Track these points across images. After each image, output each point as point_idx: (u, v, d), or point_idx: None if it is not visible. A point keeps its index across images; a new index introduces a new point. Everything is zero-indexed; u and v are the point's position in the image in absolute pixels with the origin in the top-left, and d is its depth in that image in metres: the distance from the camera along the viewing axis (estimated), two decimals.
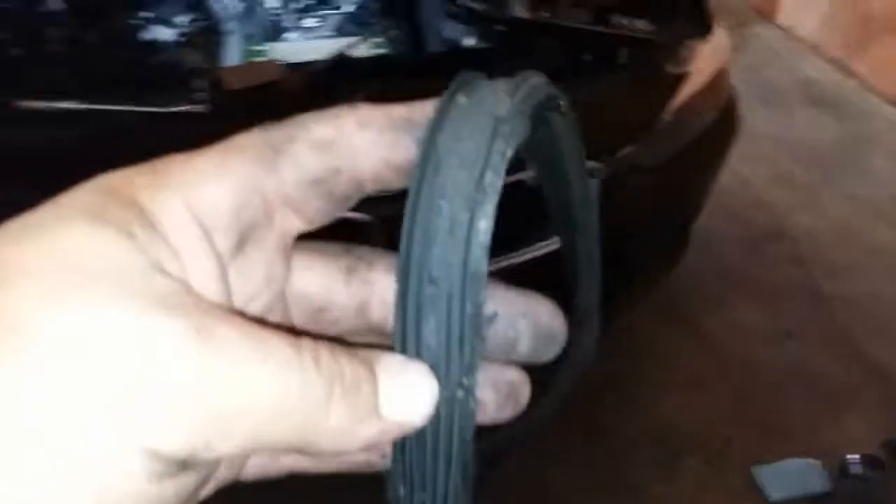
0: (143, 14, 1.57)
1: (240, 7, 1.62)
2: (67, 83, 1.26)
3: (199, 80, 1.25)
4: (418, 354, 0.22)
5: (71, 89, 1.23)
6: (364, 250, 0.26)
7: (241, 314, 0.22)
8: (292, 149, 0.22)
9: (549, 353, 0.26)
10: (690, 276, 2.17)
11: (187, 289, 0.20)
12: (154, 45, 1.41)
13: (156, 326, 0.18)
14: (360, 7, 1.71)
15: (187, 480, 0.19)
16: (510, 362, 0.26)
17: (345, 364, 0.20)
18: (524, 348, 0.26)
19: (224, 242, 0.22)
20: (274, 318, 0.24)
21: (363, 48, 1.39)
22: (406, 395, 0.21)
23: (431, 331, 0.21)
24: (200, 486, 0.21)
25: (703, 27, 1.60)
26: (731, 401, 2.02)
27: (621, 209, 1.38)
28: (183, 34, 1.55)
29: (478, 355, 0.22)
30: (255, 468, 0.25)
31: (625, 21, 1.55)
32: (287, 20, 1.68)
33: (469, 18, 1.62)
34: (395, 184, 0.24)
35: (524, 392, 0.26)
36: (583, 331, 0.28)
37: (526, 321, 0.25)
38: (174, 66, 1.37)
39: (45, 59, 1.30)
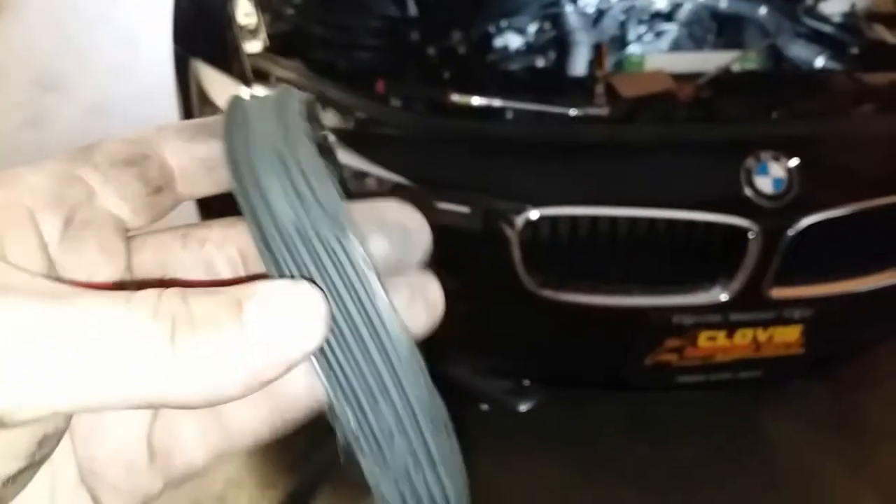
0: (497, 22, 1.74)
1: (588, 18, 1.75)
2: (490, 83, 1.44)
3: (597, 87, 1.39)
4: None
5: (493, 88, 1.40)
6: (202, 222, 0.26)
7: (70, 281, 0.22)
8: (102, 143, 0.24)
9: (415, 252, 0.25)
10: None
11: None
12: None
13: None
14: (696, 23, 1.78)
15: (12, 437, 0.18)
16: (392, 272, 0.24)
17: (196, 304, 0.18)
18: (381, 250, 0.23)
19: (50, 222, 0.22)
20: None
21: (737, 63, 1.47)
22: (285, 319, 0.19)
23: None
24: (43, 445, 0.20)
25: None
26: None
27: None
28: (531, 42, 1.70)
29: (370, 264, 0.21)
30: (192, 447, 0.24)
31: None
32: (630, 33, 1.79)
33: (820, 39, 1.64)
34: (204, 182, 0.25)
35: (432, 290, 0.25)
36: None
37: (374, 223, 0.24)
38: (570, 72, 1.51)
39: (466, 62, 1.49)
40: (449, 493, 0.22)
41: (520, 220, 1.30)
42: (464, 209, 1.34)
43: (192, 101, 1.52)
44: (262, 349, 0.18)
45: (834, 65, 1.63)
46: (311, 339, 0.19)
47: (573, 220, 1.31)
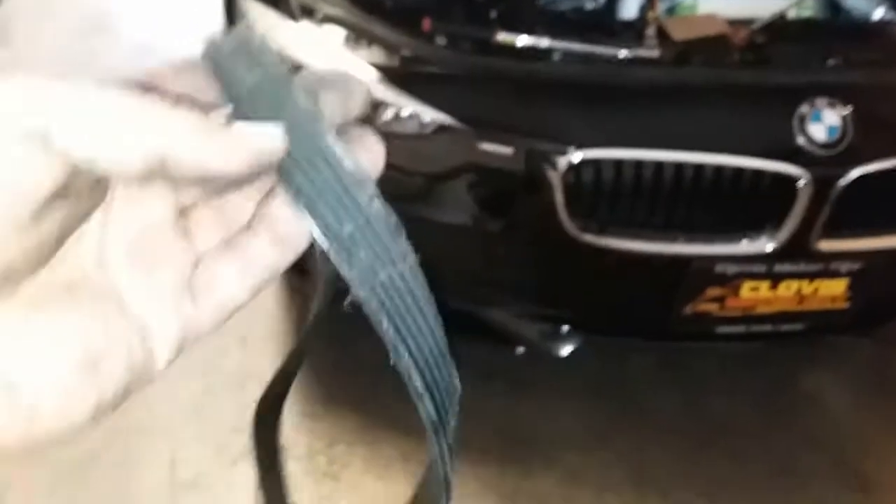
0: None
1: None
2: (537, 23, 1.41)
3: (648, 29, 1.35)
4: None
5: (541, 29, 1.38)
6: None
7: None
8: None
9: (355, 107, 0.30)
10: None
11: None
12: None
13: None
14: None
15: (68, 210, 0.24)
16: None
17: (213, 119, 0.26)
18: (328, 104, 0.29)
19: None
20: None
21: (793, 10, 1.41)
22: (259, 134, 0.26)
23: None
24: (82, 219, 0.26)
25: None
26: None
27: None
28: None
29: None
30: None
31: None
32: None
33: None
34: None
35: (371, 139, 0.30)
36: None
37: (321, 84, 0.29)
38: (620, 15, 1.48)
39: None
40: (412, 285, 0.28)
41: (563, 162, 1.29)
42: (507, 150, 1.33)
43: None
44: (253, 141, 0.26)
45: (892, 16, 1.56)
46: (277, 142, 0.26)
47: (618, 163, 1.30)
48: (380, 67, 1.37)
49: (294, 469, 1.71)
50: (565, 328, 1.64)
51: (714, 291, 1.44)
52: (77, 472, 1.71)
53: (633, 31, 1.43)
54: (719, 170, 1.29)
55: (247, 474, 1.71)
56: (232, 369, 1.90)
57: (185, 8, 3.08)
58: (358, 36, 1.39)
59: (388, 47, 1.36)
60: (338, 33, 1.41)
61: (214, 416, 1.81)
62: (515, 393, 1.87)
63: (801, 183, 1.26)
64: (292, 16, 1.43)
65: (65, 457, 1.73)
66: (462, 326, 1.69)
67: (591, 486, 1.71)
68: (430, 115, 1.36)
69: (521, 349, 1.68)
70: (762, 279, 1.42)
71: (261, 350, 1.94)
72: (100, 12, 3.17)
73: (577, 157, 1.28)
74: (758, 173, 1.28)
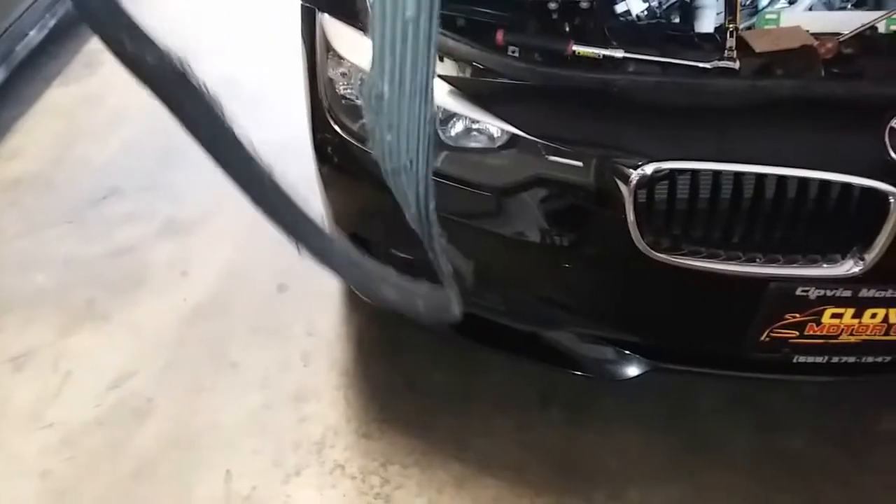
0: None
1: None
2: (612, 35, 1.39)
3: (728, 41, 1.32)
4: None
5: (615, 41, 1.36)
6: None
7: None
8: None
9: None
10: None
11: None
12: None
13: None
14: None
15: None
16: None
17: None
18: None
19: None
20: None
21: (882, 23, 1.36)
22: None
23: None
24: None
25: None
26: None
27: None
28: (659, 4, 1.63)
29: None
30: None
31: None
32: None
33: None
34: None
35: None
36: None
37: None
38: (698, 28, 1.45)
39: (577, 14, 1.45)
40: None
41: (635, 176, 1.25)
42: (577, 163, 1.30)
43: (316, 54, 1.55)
44: None
45: None
46: None
47: (693, 177, 1.25)
48: (451, 80, 1.36)
49: (347, 488, 1.68)
50: (630, 353, 1.58)
51: (793, 317, 1.36)
52: (132, 483, 1.71)
53: (711, 43, 1.39)
54: (803, 185, 1.23)
55: (303, 490, 1.69)
56: (292, 386, 1.89)
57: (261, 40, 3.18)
58: None
59: (460, 60, 1.36)
60: None
61: (273, 431, 1.80)
62: (574, 422, 1.80)
63: (892, 200, 1.19)
64: (364, 30, 1.45)
65: (121, 467, 1.74)
66: (522, 348, 1.66)
67: None
68: (500, 128, 1.35)
69: (584, 374, 1.63)
70: (846, 305, 1.34)
71: (321, 368, 1.93)
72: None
73: (649, 169, 1.24)
74: (845, 190, 1.21)
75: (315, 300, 2.10)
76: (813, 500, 1.66)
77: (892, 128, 1.19)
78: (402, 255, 1.64)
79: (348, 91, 1.49)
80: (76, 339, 2.04)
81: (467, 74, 1.37)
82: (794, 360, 1.45)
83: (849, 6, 1.59)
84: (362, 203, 1.61)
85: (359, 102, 1.45)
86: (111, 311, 2.12)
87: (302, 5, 1.66)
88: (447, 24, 1.44)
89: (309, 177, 1.74)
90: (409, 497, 1.66)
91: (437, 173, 1.40)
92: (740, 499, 1.66)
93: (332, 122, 1.51)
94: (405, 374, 1.90)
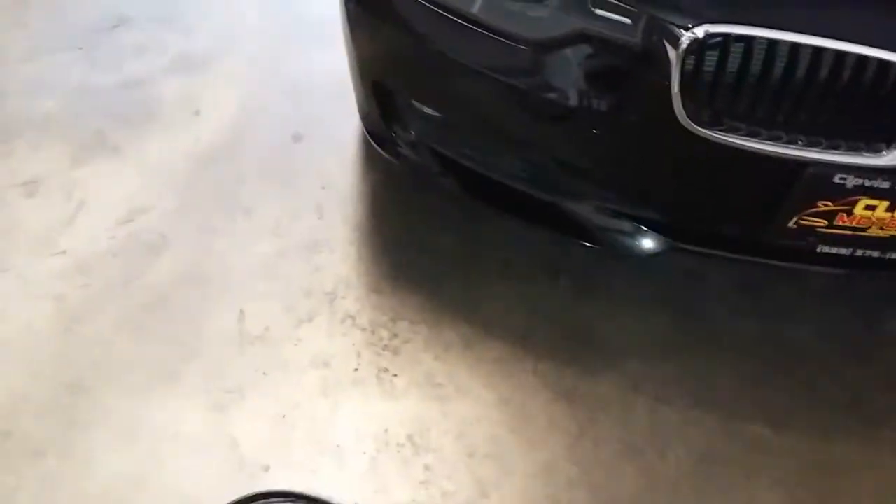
0: None
1: None
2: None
3: None
4: None
5: None
6: None
7: None
8: None
9: None
10: None
11: None
12: None
13: None
14: None
15: None
16: None
17: None
18: None
19: None
20: None
21: None
22: None
23: None
24: None
25: None
26: None
27: None
28: None
29: None
30: None
31: None
32: None
33: None
34: None
35: None
36: None
37: None
38: None
39: None
40: None
41: (686, 38, 1.18)
42: (624, 19, 1.23)
43: None
44: None
45: None
46: None
47: (747, 44, 1.18)
48: None
49: (357, 338, 1.71)
50: (647, 230, 1.56)
51: (825, 205, 1.33)
52: (146, 314, 1.74)
53: None
54: (861, 66, 1.16)
55: (313, 335, 1.71)
56: (304, 236, 1.89)
57: None
58: None
59: None
60: None
61: (285, 278, 1.81)
62: (583, 292, 1.81)
63: None
64: None
65: (134, 298, 1.76)
66: (538, 216, 1.64)
67: (648, 396, 1.67)
68: None
69: (597, 246, 1.61)
70: (882, 197, 1.30)
71: (334, 221, 1.92)
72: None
73: (700, 31, 1.17)
74: None
75: (331, 153, 2.06)
76: (807, 386, 1.70)
77: None
78: (424, 108, 1.59)
79: None
80: (88, 170, 2.01)
81: None
82: (818, 250, 1.43)
83: None
84: (388, 47, 1.53)
85: None
86: (122, 144, 2.08)
87: None
88: None
89: (334, 17, 1.65)
90: (416, 351, 1.69)
91: (473, 21, 1.35)
92: (735, 378, 1.70)
93: None
94: (417, 235, 1.89)
